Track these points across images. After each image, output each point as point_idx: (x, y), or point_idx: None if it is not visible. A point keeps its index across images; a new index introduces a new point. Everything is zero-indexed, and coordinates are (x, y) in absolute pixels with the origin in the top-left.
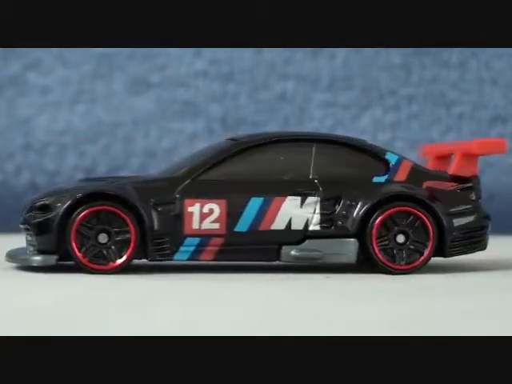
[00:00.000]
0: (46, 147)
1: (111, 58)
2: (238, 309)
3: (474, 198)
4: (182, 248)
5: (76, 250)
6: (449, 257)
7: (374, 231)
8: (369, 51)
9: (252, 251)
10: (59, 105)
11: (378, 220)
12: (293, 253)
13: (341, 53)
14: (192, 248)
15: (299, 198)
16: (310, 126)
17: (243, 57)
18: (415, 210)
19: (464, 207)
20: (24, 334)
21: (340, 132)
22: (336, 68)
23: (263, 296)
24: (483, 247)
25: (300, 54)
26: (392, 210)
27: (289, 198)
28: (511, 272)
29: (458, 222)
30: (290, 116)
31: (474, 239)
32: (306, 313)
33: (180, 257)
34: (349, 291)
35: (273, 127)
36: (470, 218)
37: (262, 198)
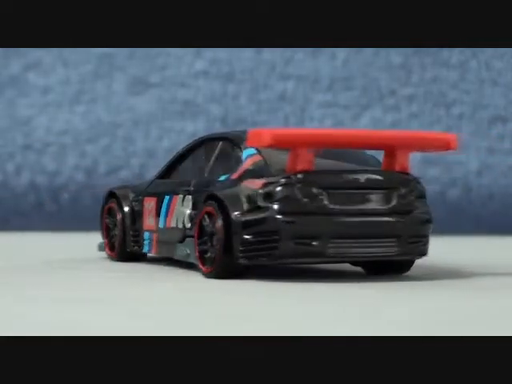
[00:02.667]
0: (45, 147)
1: (111, 58)
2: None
3: (297, 196)
4: (144, 241)
5: (105, 238)
6: (242, 262)
7: (195, 232)
8: (369, 51)
9: (167, 247)
10: (59, 105)
11: (197, 221)
12: (176, 250)
13: (341, 53)
14: (147, 241)
15: (181, 197)
16: (309, 126)
17: (243, 57)
18: (213, 212)
19: (261, 207)
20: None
21: None
22: (336, 68)
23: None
24: (278, 255)
25: (300, 54)
26: (202, 211)
27: (177, 196)
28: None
29: (250, 224)
30: (290, 116)
31: (267, 245)
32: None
33: (145, 249)
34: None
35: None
36: (264, 221)
37: (168, 197)
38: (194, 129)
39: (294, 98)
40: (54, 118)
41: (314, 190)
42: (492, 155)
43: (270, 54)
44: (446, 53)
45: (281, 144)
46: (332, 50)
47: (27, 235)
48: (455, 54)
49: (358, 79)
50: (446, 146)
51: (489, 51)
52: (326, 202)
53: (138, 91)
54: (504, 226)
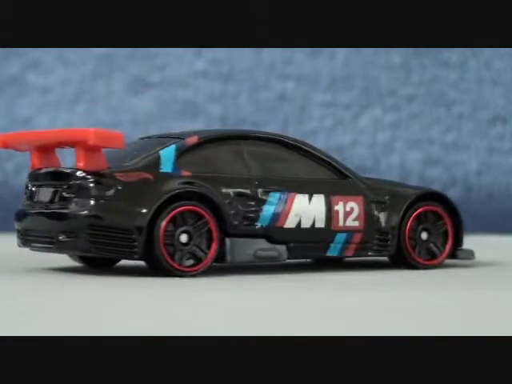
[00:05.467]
0: None
1: (111, 58)
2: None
3: (26, 192)
4: None
5: None
6: None
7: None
8: (369, 51)
9: None
10: (59, 105)
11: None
12: None
13: (341, 53)
14: None
15: None
16: (309, 126)
17: (243, 57)
18: None
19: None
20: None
21: (340, 132)
22: (336, 68)
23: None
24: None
25: (300, 54)
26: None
27: None
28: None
29: None
30: (290, 116)
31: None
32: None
33: None
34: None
35: (273, 127)
36: None
37: None
38: (194, 129)
39: (294, 97)
40: (53, 118)
41: (30, 186)
42: (492, 155)
43: (269, 54)
44: (445, 53)
45: None
46: (332, 50)
47: None
48: (455, 54)
49: (358, 79)
50: (82, 142)
51: (489, 51)
52: (32, 197)
53: (137, 91)
54: (504, 226)
